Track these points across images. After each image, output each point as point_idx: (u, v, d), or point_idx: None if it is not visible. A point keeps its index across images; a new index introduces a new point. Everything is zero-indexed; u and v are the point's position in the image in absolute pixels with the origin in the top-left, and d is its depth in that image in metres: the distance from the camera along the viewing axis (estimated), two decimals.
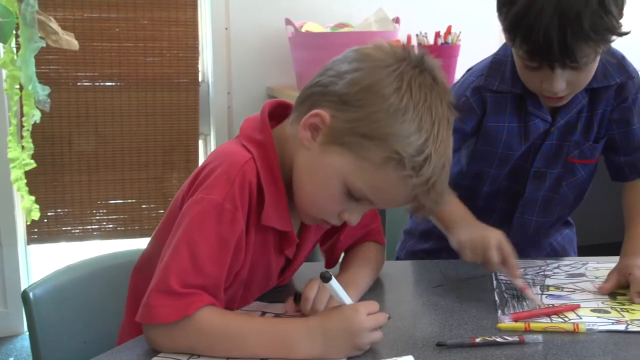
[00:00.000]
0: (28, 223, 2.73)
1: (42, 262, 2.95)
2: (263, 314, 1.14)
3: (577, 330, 1.07)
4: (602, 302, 1.21)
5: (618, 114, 1.40)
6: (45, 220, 2.84)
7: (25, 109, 2.18)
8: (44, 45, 2.12)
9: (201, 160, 3.02)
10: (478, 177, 1.45)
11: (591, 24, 1.15)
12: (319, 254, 1.33)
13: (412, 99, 1.01)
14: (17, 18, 2.05)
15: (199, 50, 2.92)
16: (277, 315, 1.13)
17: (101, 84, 2.82)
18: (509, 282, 1.29)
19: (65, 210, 2.87)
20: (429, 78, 1.04)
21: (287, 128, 1.10)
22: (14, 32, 2.10)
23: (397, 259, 1.65)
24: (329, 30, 2.85)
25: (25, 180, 2.27)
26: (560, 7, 1.15)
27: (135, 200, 2.94)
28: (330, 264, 1.30)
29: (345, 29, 2.85)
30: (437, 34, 2.78)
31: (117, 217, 2.94)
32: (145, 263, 1.16)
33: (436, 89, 1.04)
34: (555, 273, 1.37)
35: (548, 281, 1.31)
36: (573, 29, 1.15)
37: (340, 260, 1.30)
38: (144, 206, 2.96)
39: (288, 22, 2.81)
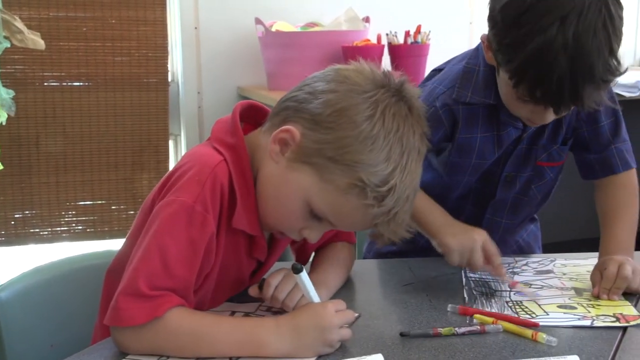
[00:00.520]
0: None
1: (10, 265, 2.91)
2: (233, 313, 1.14)
3: (535, 338, 1.05)
4: (569, 299, 1.22)
5: (585, 114, 1.40)
6: (13, 223, 2.80)
7: None
8: (9, 45, 2.09)
9: (171, 160, 3.00)
10: (451, 185, 1.45)
11: (602, 72, 1.15)
12: (289, 254, 1.33)
13: (384, 127, 1.01)
14: None
15: (169, 49, 2.90)
16: (246, 314, 1.13)
17: (69, 84, 2.79)
18: (477, 279, 1.31)
19: (34, 212, 2.83)
20: (404, 108, 1.04)
21: (260, 136, 1.10)
22: None
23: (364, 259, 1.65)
24: (299, 29, 2.85)
25: None
26: (574, 57, 1.12)
27: (105, 201, 2.92)
28: (300, 263, 1.29)
29: (316, 29, 2.86)
30: (407, 33, 2.80)
31: (86, 218, 2.91)
32: (118, 265, 1.15)
33: (410, 120, 1.04)
34: (523, 270, 1.38)
35: (517, 278, 1.33)
36: (585, 78, 1.14)
37: (310, 259, 1.30)
38: (113, 207, 2.94)
39: (258, 21, 2.81)
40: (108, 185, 2.90)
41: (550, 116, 1.25)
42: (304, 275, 1.03)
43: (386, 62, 2.83)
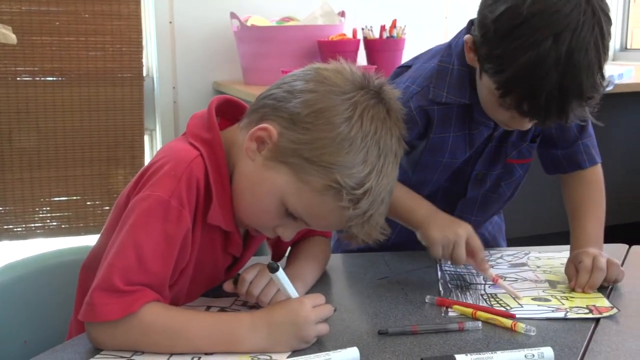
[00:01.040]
0: None
1: None
2: (208, 308, 1.14)
3: (514, 329, 1.07)
4: (543, 291, 1.24)
5: None
6: None
7: None
8: None
9: (147, 156, 2.98)
10: (420, 184, 1.43)
11: (590, 91, 1.15)
12: (266, 248, 1.33)
13: (361, 130, 1.01)
14: None
15: (143, 44, 2.88)
16: (222, 309, 1.13)
17: (42, 78, 2.76)
18: (453, 273, 1.31)
19: (7, 208, 2.81)
20: (383, 110, 1.04)
21: (237, 132, 1.10)
22: None
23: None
24: (274, 24, 2.85)
25: None
26: (565, 74, 1.11)
27: (79, 197, 2.90)
28: (276, 257, 1.30)
29: (291, 23, 2.86)
30: (383, 28, 2.80)
31: (61, 214, 2.89)
32: (93, 260, 1.14)
33: (388, 123, 1.04)
34: (498, 263, 1.39)
35: (491, 271, 1.34)
36: (574, 95, 1.14)
37: (286, 254, 1.30)
38: (88, 203, 2.92)
39: (233, 15, 2.80)
40: (83, 181, 2.88)
41: (528, 123, 1.26)
42: (281, 273, 1.02)
43: (362, 57, 2.83)
